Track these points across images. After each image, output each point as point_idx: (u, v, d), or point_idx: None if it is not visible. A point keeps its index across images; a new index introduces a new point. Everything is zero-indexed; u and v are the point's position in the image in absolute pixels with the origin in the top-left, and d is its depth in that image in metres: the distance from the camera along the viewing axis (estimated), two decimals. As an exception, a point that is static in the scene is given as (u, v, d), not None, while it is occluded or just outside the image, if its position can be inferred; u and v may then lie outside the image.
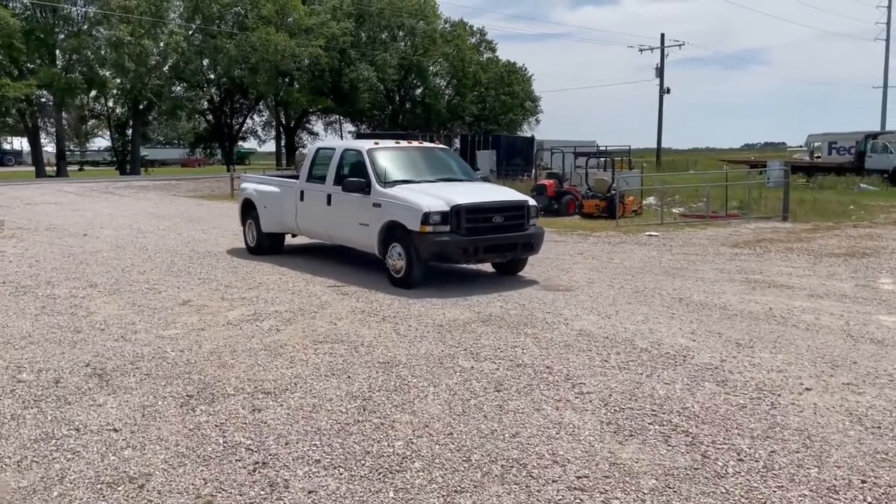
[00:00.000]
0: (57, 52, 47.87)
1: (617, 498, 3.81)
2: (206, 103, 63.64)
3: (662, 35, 48.56)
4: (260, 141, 70.70)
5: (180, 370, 5.89)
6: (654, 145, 50.43)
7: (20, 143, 75.32)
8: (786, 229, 15.83)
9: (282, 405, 5.11)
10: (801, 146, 54.24)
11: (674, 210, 19.65)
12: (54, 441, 4.51)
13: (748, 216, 17.91)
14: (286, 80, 54.56)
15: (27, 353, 6.34)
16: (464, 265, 10.32)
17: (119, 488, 3.92)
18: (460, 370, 5.86)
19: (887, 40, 54.10)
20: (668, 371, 5.83)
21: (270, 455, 4.31)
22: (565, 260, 11.57)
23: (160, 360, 6.14)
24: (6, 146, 77.86)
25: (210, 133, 66.79)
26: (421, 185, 9.67)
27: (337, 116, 63.98)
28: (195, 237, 14.56)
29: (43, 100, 49.33)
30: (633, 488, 3.90)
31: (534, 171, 32.10)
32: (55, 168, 50.82)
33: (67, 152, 58.01)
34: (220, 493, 3.88)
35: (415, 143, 11.80)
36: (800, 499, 3.79)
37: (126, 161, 56.96)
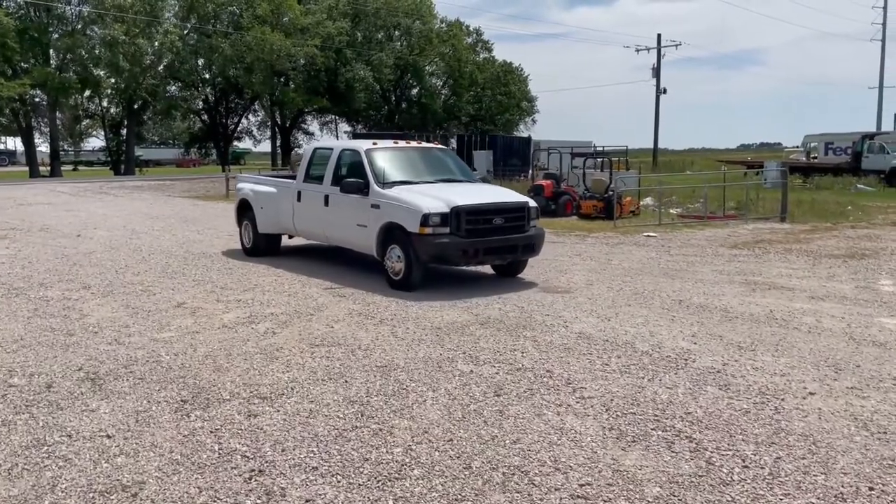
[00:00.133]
0: (51, 51, 47.63)
1: (621, 506, 3.73)
2: (201, 103, 63.42)
3: (659, 35, 48.62)
4: (255, 141, 70.58)
5: (175, 374, 5.79)
6: (651, 145, 50.45)
7: (14, 143, 74.94)
8: (784, 230, 15.79)
9: (278, 410, 5.02)
10: (797, 147, 54.29)
11: (671, 211, 19.60)
12: (46, 448, 4.41)
13: (746, 217, 17.87)
14: (282, 79, 54.36)
15: (19, 357, 6.23)
16: (463, 267, 10.22)
17: (112, 497, 3.83)
18: (459, 374, 5.78)
19: (883, 41, 54.27)
20: (670, 375, 5.76)
21: (267, 462, 4.22)
22: (563, 261, 11.50)
23: (154, 364, 6.04)
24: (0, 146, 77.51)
25: (205, 133, 66.56)
26: (420, 186, 9.57)
27: (333, 116, 63.82)
28: (190, 238, 14.45)
29: (37, 99, 49.09)
30: (637, 496, 3.82)
31: (531, 171, 32.05)
32: (49, 168, 50.56)
33: (61, 152, 57.76)
34: (214, 501, 3.79)
35: (413, 143, 11.69)
36: (807, 507, 3.72)
37: (120, 161, 56.75)
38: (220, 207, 22.33)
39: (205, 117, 64.79)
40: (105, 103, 56.72)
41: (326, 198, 10.40)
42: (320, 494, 3.85)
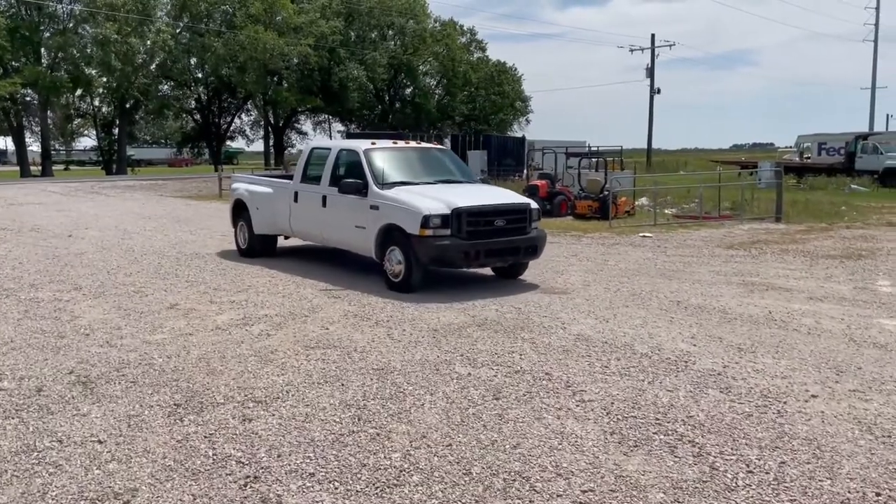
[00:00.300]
0: (42, 50, 47.43)
1: (625, 513, 3.66)
2: (193, 102, 63.25)
3: (653, 35, 48.55)
4: (248, 140, 70.37)
5: (167, 377, 5.69)
6: (644, 145, 50.39)
7: (4, 143, 74.62)
8: (780, 230, 15.77)
9: (273, 414, 4.92)
10: (789, 147, 54.45)
11: (666, 211, 19.57)
12: (36, 454, 4.31)
13: (741, 217, 17.85)
14: (275, 79, 54.24)
15: (9, 360, 6.12)
16: (463, 269, 10.09)
17: (103, 505, 3.73)
18: (457, 377, 5.70)
19: (875, 42, 54.45)
20: (671, 377, 5.69)
21: (262, 468, 4.13)
22: (560, 262, 11.43)
23: (147, 367, 5.94)
24: (-9, 145, 77.13)
25: (197, 132, 66.37)
26: (419, 187, 9.44)
27: (326, 116, 63.71)
28: (182, 238, 14.32)
29: (28, 98, 48.86)
30: (640, 503, 3.75)
31: (525, 171, 32.00)
32: (40, 168, 50.34)
33: (53, 152, 57.44)
34: (209, 509, 3.70)
35: (412, 144, 11.56)
36: (814, 513, 3.65)
37: (112, 161, 56.52)
38: (212, 207, 22.19)
39: (197, 117, 64.61)
40: (97, 102, 56.54)
41: (324, 198, 10.26)
42: (317, 501, 3.77)
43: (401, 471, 4.09)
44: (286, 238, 12.11)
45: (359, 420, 4.82)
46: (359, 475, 4.04)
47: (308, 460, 4.22)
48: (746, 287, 9.41)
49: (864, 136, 35.90)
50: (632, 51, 50.39)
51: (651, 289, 9.27)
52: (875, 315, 7.86)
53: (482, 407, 5.06)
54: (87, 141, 71.55)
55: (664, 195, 21.49)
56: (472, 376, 5.71)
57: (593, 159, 21.70)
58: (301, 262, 11.37)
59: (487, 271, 10.25)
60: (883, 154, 32.60)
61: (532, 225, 9.46)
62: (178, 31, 51.66)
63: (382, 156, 9.99)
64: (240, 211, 12.15)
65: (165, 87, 57.12)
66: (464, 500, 3.77)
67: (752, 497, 3.80)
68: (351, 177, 9.73)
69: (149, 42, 48.20)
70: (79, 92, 52.10)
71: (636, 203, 20.14)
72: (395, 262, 9.01)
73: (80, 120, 61.46)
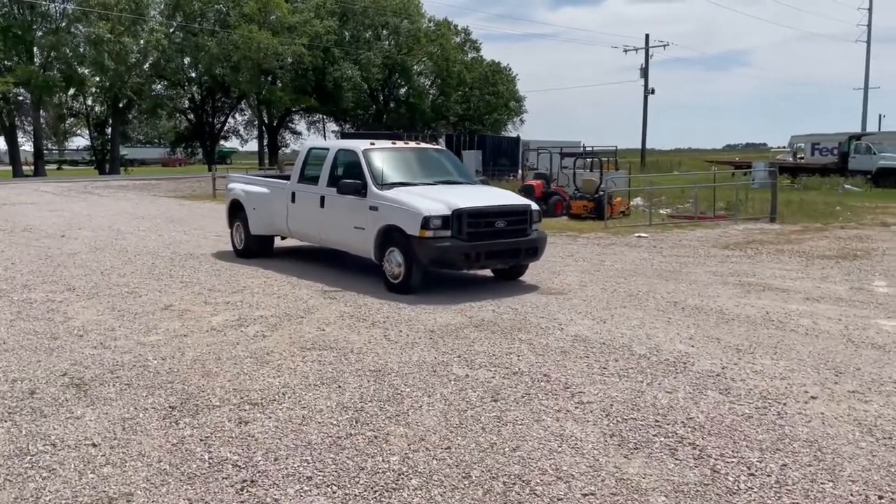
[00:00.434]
0: (35, 49, 47.17)
1: (626, 517, 3.62)
2: (187, 102, 63.05)
3: (647, 36, 48.62)
4: (242, 140, 70.23)
5: (162, 379, 5.63)
6: (638, 145, 50.43)
7: (-3, 142, 74.12)
8: (774, 231, 15.78)
9: (269, 417, 4.87)
10: (782, 147, 54.62)
11: (661, 211, 19.56)
12: (29, 458, 4.25)
13: (736, 217, 17.85)
14: (269, 78, 54.08)
15: (1, 362, 6.05)
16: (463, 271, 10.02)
17: (97, 510, 3.68)
18: (455, 378, 5.66)
19: (868, 42, 54.66)
20: (669, 379, 5.66)
21: (259, 472, 4.08)
22: (556, 262, 11.40)
23: (141, 369, 5.88)
24: (-17, 145, 76.66)
25: (191, 132, 66.18)
26: (419, 188, 9.37)
27: (320, 116, 63.60)
28: (176, 239, 14.25)
29: (20, 98, 48.58)
30: (642, 506, 3.71)
31: (520, 171, 31.99)
32: (33, 167, 50.06)
33: (45, 151, 57.20)
34: (205, 514, 3.65)
35: (412, 144, 11.49)
36: (817, 517, 3.62)
37: (105, 160, 56.31)
38: (206, 207, 22.12)
39: (191, 116, 64.42)
40: (90, 102, 56.28)
41: (322, 199, 10.17)
42: (315, 506, 3.72)
43: (399, 474, 4.05)
44: (283, 238, 12.03)
45: (356, 422, 4.77)
46: (357, 479, 4.00)
47: (305, 463, 4.17)
48: (743, 287, 9.39)
49: (858, 137, 36.00)
50: (626, 51, 50.53)
51: (648, 289, 9.24)
52: (872, 315, 7.85)
53: (480, 409, 5.02)
54: (79, 140, 71.42)
55: (659, 195, 21.50)
56: (470, 378, 5.67)
57: (588, 159, 21.69)
58: (296, 262, 11.31)
59: (485, 272, 10.21)
60: (876, 154, 32.69)
61: (532, 226, 9.40)
62: (171, 30, 51.46)
63: (381, 156, 9.91)
64: (236, 211, 12.06)
65: (159, 86, 56.92)
66: (463, 504, 3.73)
67: (754, 500, 3.77)
68: (349, 177, 9.65)
69: (142, 41, 48.02)
70: (72, 91, 51.88)
71: (631, 203, 20.13)
72: (394, 263, 8.93)
73: (72, 119, 61.23)
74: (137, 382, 5.55)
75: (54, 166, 66.19)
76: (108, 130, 56.60)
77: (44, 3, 46.37)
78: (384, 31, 59.27)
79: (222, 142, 70.82)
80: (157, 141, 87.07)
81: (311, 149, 11.38)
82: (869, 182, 30.56)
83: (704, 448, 4.38)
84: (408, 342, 6.68)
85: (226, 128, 66.60)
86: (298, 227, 10.99)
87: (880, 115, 72.11)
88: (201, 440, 4.49)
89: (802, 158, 39.45)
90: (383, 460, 4.22)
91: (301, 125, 67.73)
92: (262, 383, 5.54)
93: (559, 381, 5.60)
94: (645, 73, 48.46)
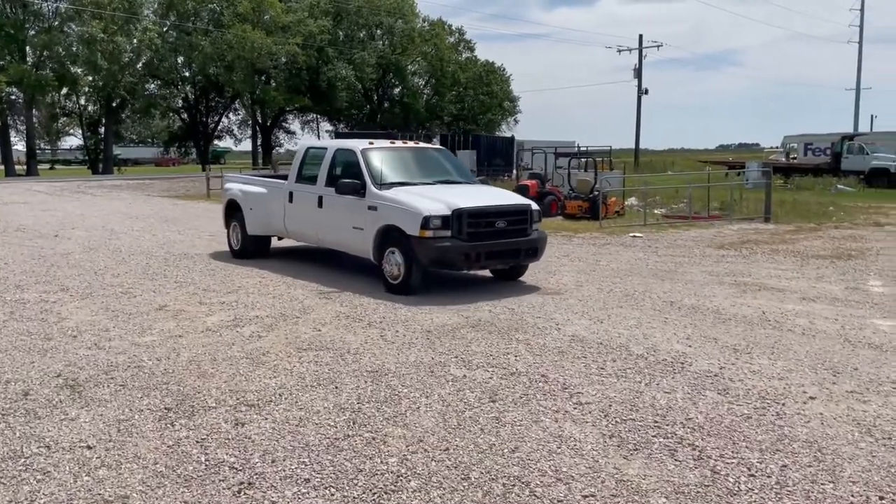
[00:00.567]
0: (27, 48, 46.91)
1: (627, 519, 3.60)
2: (180, 101, 62.80)
3: (641, 36, 48.62)
4: (236, 140, 69.95)
5: (157, 380, 5.59)
6: (631, 146, 50.39)
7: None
8: (769, 230, 15.80)
9: (266, 418, 4.83)
10: (774, 147, 54.77)
11: (655, 211, 19.58)
12: (23, 460, 4.20)
13: (730, 217, 17.87)
14: (262, 78, 53.96)
15: (-6, 363, 5.99)
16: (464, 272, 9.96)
17: (93, 513, 3.64)
18: (452, 379, 5.63)
19: (860, 43, 54.75)
20: (667, 379, 5.64)
21: (256, 474, 4.04)
22: (551, 262, 11.38)
23: (136, 370, 5.83)
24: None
25: (184, 132, 65.91)
26: (418, 188, 9.30)
27: (314, 115, 63.43)
28: (170, 238, 14.18)
29: (13, 97, 48.30)
30: (642, 508, 3.69)
31: (514, 171, 31.98)
32: (25, 167, 49.77)
33: (38, 151, 56.93)
34: (202, 517, 3.61)
35: (410, 144, 11.44)
36: (818, 518, 3.61)
37: (98, 160, 56.06)
38: (200, 207, 22.04)
39: (184, 116, 64.18)
40: (83, 101, 56.03)
41: (320, 199, 10.10)
42: (313, 508, 3.69)
43: (398, 476, 4.02)
44: (279, 239, 11.97)
45: (354, 424, 4.74)
46: (355, 481, 3.96)
47: (303, 465, 4.14)
48: (739, 287, 9.39)
49: (850, 137, 36.12)
50: (619, 51, 50.46)
51: (644, 289, 9.23)
52: (868, 315, 7.85)
53: (479, 410, 4.99)
54: (72, 140, 71.01)
55: (653, 195, 21.52)
56: (468, 378, 5.64)
57: (583, 159, 21.69)
58: (291, 263, 11.26)
59: (483, 272, 10.16)
60: (869, 154, 32.83)
61: (533, 226, 9.35)
62: (164, 29, 51.27)
63: (380, 156, 9.82)
64: (233, 211, 11.97)
65: (152, 85, 56.66)
66: (463, 506, 3.70)
67: (755, 501, 3.75)
68: (348, 177, 9.58)
69: (135, 40, 47.81)
70: (64, 90, 51.61)
71: (625, 203, 20.14)
72: (393, 263, 8.86)
73: (65, 119, 60.93)
74: (132, 383, 5.51)
75: (47, 166, 65.88)
76: (101, 130, 56.32)
77: (36, 1, 46.15)
78: (378, 31, 59.16)
79: (216, 141, 70.55)
80: (150, 140, 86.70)
81: (308, 148, 11.30)
82: (862, 182, 30.70)
83: (704, 449, 4.36)
84: (404, 343, 6.65)
85: (219, 127, 66.39)
86: (296, 228, 10.91)
87: (872, 116, 72.16)
88: (197, 442, 4.45)
89: (795, 159, 39.58)
90: (382, 462, 4.18)
91: (295, 125, 67.60)
92: (259, 384, 5.50)
93: (557, 381, 5.58)
94: (638, 73, 48.46)
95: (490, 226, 8.89)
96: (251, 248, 11.58)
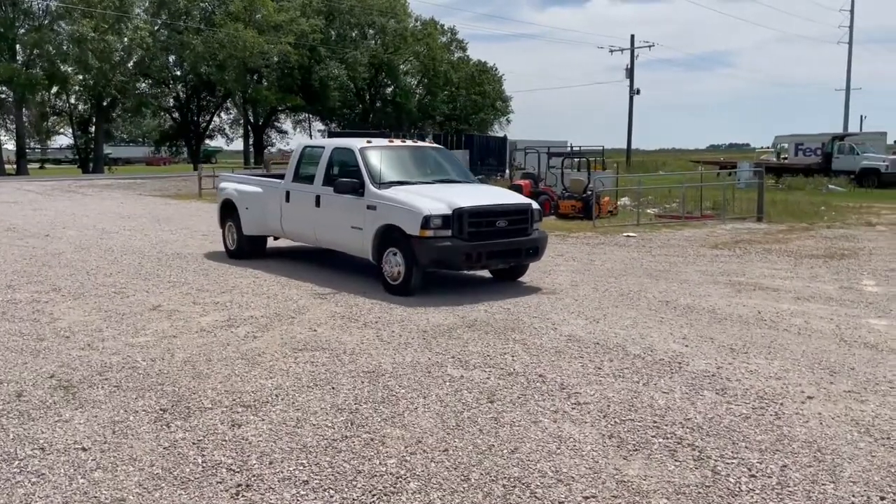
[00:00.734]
0: (17, 46, 46.58)
1: (628, 520, 3.58)
2: (171, 100, 62.57)
3: (632, 36, 48.76)
4: (227, 139, 69.72)
5: (152, 381, 5.54)
6: (623, 146, 50.53)
7: (-22, 141, 73.17)
8: (762, 230, 15.84)
9: (263, 419, 4.79)
10: (765, 147, 54.97)
11: (649, 211, 19.60)
12: (17, 462, 4.15)
13: (723, 217, 17.91)
14: (254, 77, 53.82)
15: (-14, 364, 5.93)
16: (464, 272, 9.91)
17: (89, 516, 3.59)
18: (450, 379, 5.60)
19: (850, 43, 55.03)
20: (665, 379, 5.63)
21: (254, 476, 4.00)
22: (546, 261, 11.32)
23: (130, 371, 5.78)
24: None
25: (176, 131, 65.66)
26: (418, 187, 9.22)
27: (306, 115, 63.28)
28: (163, 238, 14.09)
29: (2, 96, 47.99)
30: (643, 509, 3.67)
31: (507, 171, 31.98)
32: (15, 166, 49.49)
33: (28, 150, 56.46)
34: (200, 520, 3.57)
35: (409, 142, 11.37)
36: (819, 518, 3.60)
37: (89, 159, 55.78)
38: (192, 207, 21.94)
39: (176, 115, 63.94)
40: (73, 100, 55.68)
41: (318, 198, 10.00)
42: (312, 510, 3.65)
43: (397, 477, 3.99)
44: (276, 239, 11.89)
45: (351, 424, 4.70)
46: (354, 482, 3.93)
47: (301, 467, 4.10)
48: (734, 287, 9.40)
49: (841, 137, 36.26)
50: (612, 51, 50.64)
51: (639, 289, 9.23)
52: (863, 315, 7.87)
53: (477, 410, 4.97)
54: (63, 139, 70.60)
55: (646, 195, 21.55)
56: (465, 379, 5.62)
57: (575, 159, 21.69)
58: (285, 262, 11.21)
59: (482, 272, 10.12)
60: (859, 154, 32.96)
61: (534, 226, 9.30)
62: (156, 28, 51.07)
63: (379, 154, 9.72)
64: (228, 211, 11.86)
65: (143, 84, 56.40)
66: (463, 508, 3.68)
67: (756, 502, 3.74)
68: (346, 176, 9.49)
69: (126, 39, 47.59)
70: (55, 89, 51.28)
71: (618, 203, 20.16)
72: (393, 263, 8.78)
73: (55, 118, 60.52)
74: (127, 384, 5.46)
75: (37, 165, 65.49)
76: (92, 129, 56.02)
77: (26, 0, 45.83)
78: (370, 31, 59.12)
79: (207, 141, 70.27)
80: (141, 140, 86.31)
81: (305, 147, 11.20)
82: (852, 182, 30.82)
83: (704, 449, 4.35)
84: (401, 343, 6.62)
85: (211, 126, 66.14)
86: (293, 228, 10.82)
87: (862, 116, 72.59)
88: (194, 443, 4.41)
89: (786, 159, 39.68)
90: (380, 463, 4.15)
91: (287, 124, 67.47)
92: (255, 385, 5.46)
93: (555, 381, 5.56)
94: (630, 73, 48.62)
95: (491, 225, 8.84)
96: (247, 249, 11.48)
